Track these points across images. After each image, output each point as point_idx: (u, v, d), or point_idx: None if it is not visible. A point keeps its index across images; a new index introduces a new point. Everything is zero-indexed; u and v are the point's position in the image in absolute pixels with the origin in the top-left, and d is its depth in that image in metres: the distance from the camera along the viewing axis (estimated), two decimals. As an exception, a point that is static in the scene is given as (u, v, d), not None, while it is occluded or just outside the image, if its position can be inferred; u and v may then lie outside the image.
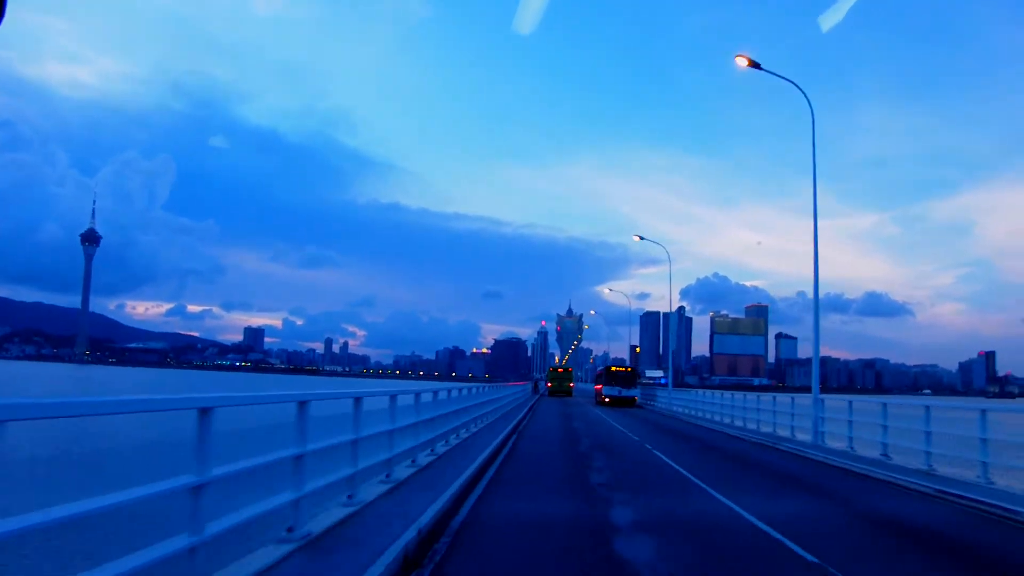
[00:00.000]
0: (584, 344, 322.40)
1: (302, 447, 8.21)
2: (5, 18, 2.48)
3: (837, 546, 10.58)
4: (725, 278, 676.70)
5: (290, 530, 8.17)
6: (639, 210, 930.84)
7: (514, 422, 32.51)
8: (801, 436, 28.45)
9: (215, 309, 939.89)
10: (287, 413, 8.28)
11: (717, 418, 41.83)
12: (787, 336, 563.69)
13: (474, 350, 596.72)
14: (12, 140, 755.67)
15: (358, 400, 10.53)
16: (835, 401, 29.30)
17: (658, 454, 23.41)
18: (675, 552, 10.08)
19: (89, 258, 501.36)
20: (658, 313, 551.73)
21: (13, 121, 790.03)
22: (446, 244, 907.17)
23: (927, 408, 19.71)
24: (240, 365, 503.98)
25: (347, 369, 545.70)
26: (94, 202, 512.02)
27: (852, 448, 23.75)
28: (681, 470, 18.99)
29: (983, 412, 16.71)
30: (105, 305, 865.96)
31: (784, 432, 30.61)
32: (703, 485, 16.35)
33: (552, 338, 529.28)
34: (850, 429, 24.28)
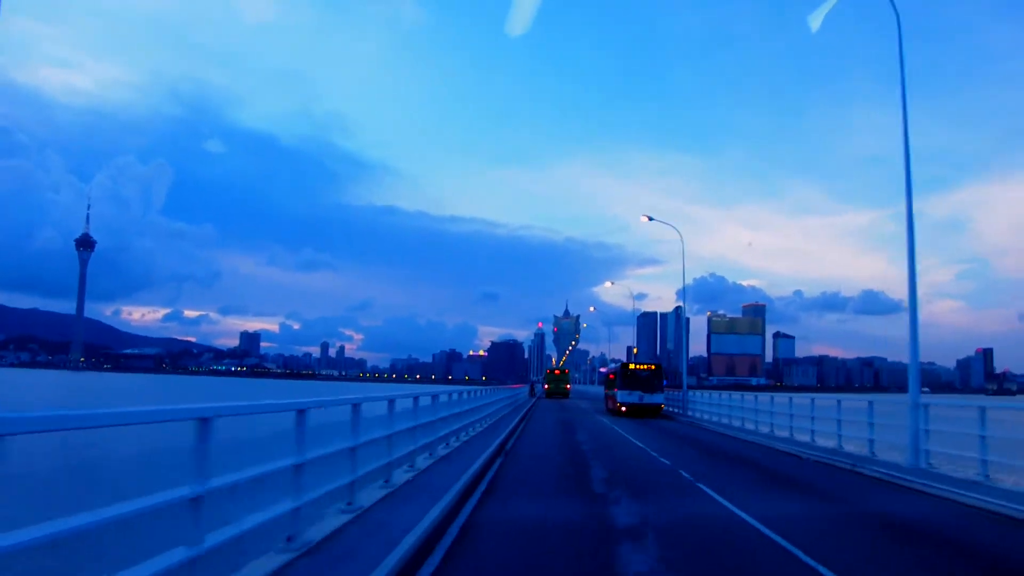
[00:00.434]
0: (581, 345, 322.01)
1: (301, 456, 8.18)
2: None
3: None
4: (722, 278, 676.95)
5: (290, 539, 8.14)
6: (634, 211, 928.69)
7: (503, 434, 26.74)
8: (887, 455, 21.53)
9: (212, 314, 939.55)
10: (285, 421, 8.23)
11: (751, 426, 34.22)
12: (785, 335, 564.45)
13: (471, 353, 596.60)
14: (7, 146, 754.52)
15: (356, 407, 10.51)
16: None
17: (708, 491, 15.79)
18: None
19: (84, 263, 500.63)
20: (655, 313, 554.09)
21: (8, 128, 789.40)
22: (442, 247, 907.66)
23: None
24: (236, 370, 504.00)
25: (343, 373, 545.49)
26: (88, 207, 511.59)
27: (987, 478, 16.47)
28: (765, 530, 11.55)
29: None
30: (101, 311, 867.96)
31: (856, 448, 23.70)
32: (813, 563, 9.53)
33: (549, 340, 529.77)
34: (981, 448, 16.84)
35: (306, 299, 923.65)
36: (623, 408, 48.75)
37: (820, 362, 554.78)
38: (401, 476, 14.02)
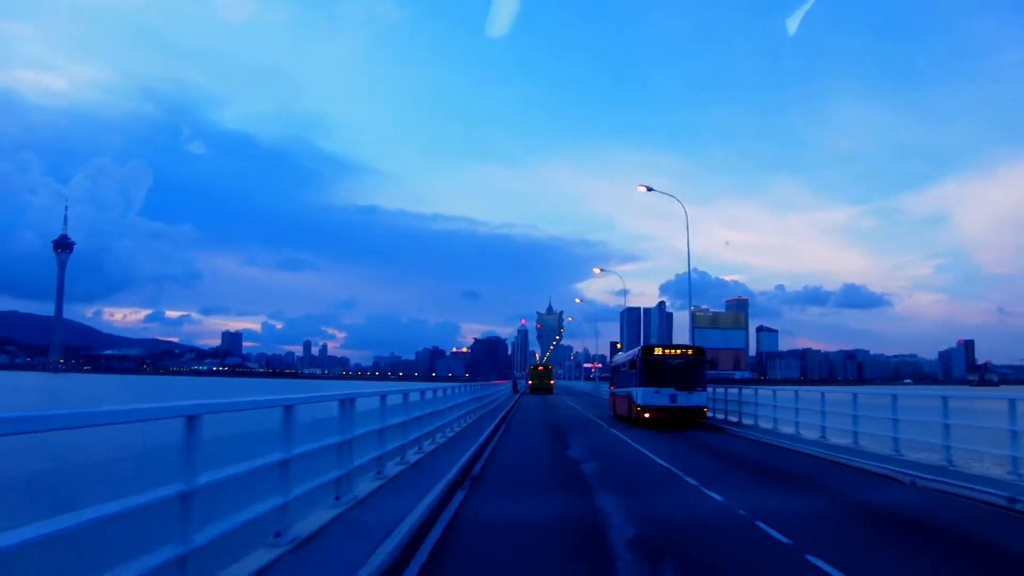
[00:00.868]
0: (565, 342, 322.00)
1: (288, 452, 8.19)
2: None
3: None
4: (704, 273, 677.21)
5: (278, 534, 8.12)
6: (616, 208, 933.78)
7: (467, 454, 18.45)
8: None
9: (194, 314, 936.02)
10: (272, 418, 8.23)
11: (831, 439, 23.54)
12: (768, 329, 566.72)
13: (454, 350, 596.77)
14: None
15: (343, 402, 10.57)
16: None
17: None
18: None
19: (62, 265, 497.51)
20: (639, 309, 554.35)
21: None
22: (424, 245, 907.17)
23: None
24: (217, 370, 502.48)
25: (326, 372, 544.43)
26: (66, 208, 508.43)
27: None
28: None
29: None
30: (82, 312, 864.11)
31: (970, 463, 17.16)
32: None
33: (532, 336, 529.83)
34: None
35: (288, 298, 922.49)
36: (646, 414, 32.68)
37: (803, 355, 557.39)
38: (393, 468, 14.07)
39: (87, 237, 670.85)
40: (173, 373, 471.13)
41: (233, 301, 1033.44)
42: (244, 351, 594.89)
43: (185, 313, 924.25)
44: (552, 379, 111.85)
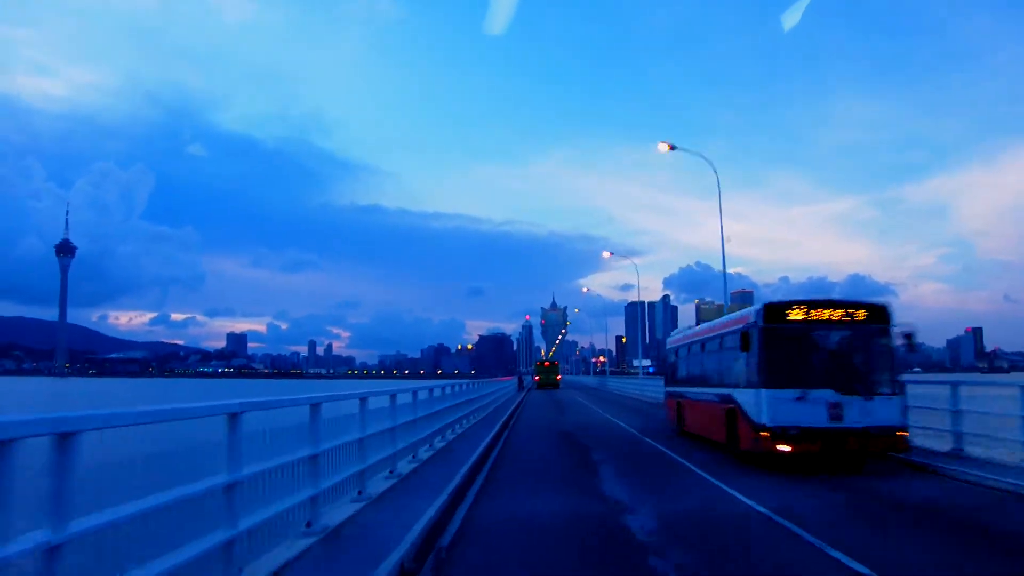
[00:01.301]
0: (569, 337, 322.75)
1: (316, 447, 8.77)
2: None
3: None
4: (708, 266, 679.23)
5: (309, 524, 8.70)
6: (617, 203, 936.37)
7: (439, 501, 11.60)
8: None
9: (199, 316, 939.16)
10: (291, 415, 8.78)
11: None
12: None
13: (459, 347, 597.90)
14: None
15: (363, 400, 11.19)
16: None
17: None
18: None
19: (65, 269, 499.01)
20: (643, 303, 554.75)
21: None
22: (427, 243, 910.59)
23: None
24: (222, 372, 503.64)
25: (331, 371, 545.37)
26: (67, 213, 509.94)
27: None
28: None
29: None
30: (88, 317, 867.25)
31: None
32: None
33: (537, 332, 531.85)
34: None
35: (293, 299, 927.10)
36: (782, 445, 16.14)
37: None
38: (406, 466, 14.60)
39: (90, 241, 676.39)
40: (179, 375, 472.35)
41: (238, 302, 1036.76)
42: (249, 352, 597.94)
43: (190, 315, 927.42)
44: (558, 374, 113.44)
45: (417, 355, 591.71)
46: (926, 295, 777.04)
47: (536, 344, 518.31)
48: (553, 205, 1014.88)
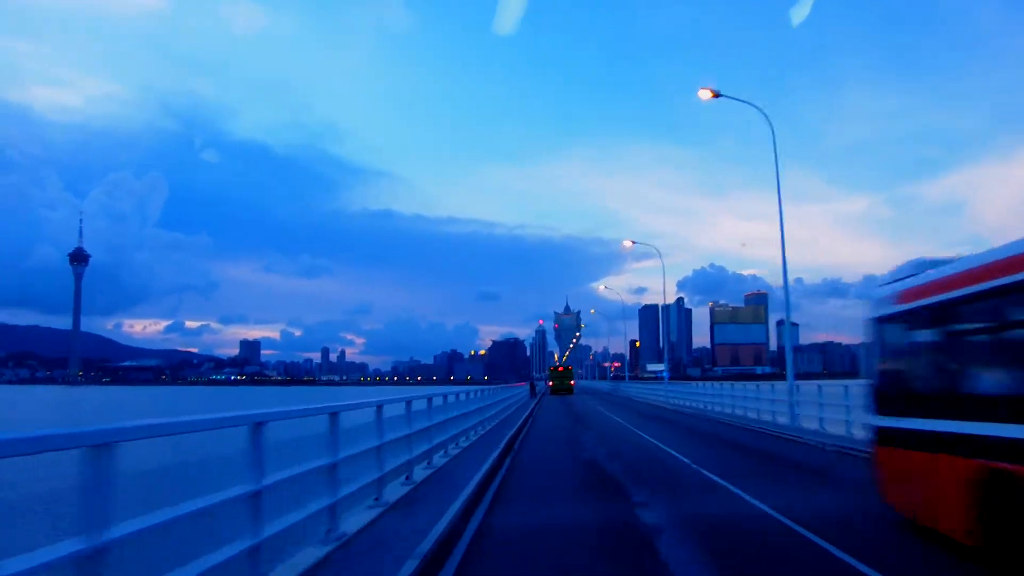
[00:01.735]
0: (583, 341, 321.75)
1: (335, 456, 8.98)
2: None
3: None
4: (721, 268, 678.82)
5: (328, 531, 8.92)
6: (631, 205, 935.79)
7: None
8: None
9: (213, 324, 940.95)
10: (308, 424, 9.00)
11: None
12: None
13: (472, 352, 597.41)
14: (0, 165, 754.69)
15: (380, 408, 11.39)
16: None
17: None
18: None
19: (78, 278, 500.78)
20: (656, 306, 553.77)
21: (0, 146, 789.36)
22: (440, 248, 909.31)
23: None
24: (235, 379, 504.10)
25: (344, 378, 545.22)
26: (80, 221, 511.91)
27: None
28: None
29: None
30: (102, 325, 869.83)
31: None
32: None
33: (551, 337, 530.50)
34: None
35: (306, 305, 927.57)
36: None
37: (824, 349, 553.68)
38: (421, 472, 14.78)
39: (106, 250, 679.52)
40: (192, 383, 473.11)
41: (251, 309, 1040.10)
42: (263, 359, 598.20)
43: (204, 323, 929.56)
44: (572, 379, 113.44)
45: (430, 361, 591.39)
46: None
47: (550, 349, 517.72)
48: (566, 208, 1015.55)
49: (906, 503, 10.68)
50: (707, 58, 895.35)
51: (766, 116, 33.14)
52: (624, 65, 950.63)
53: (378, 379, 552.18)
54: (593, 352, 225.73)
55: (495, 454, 19.14)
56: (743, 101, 34.29)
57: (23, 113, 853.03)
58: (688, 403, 48.85)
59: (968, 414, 8.72)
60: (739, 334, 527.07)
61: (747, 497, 13.26)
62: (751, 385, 38.07)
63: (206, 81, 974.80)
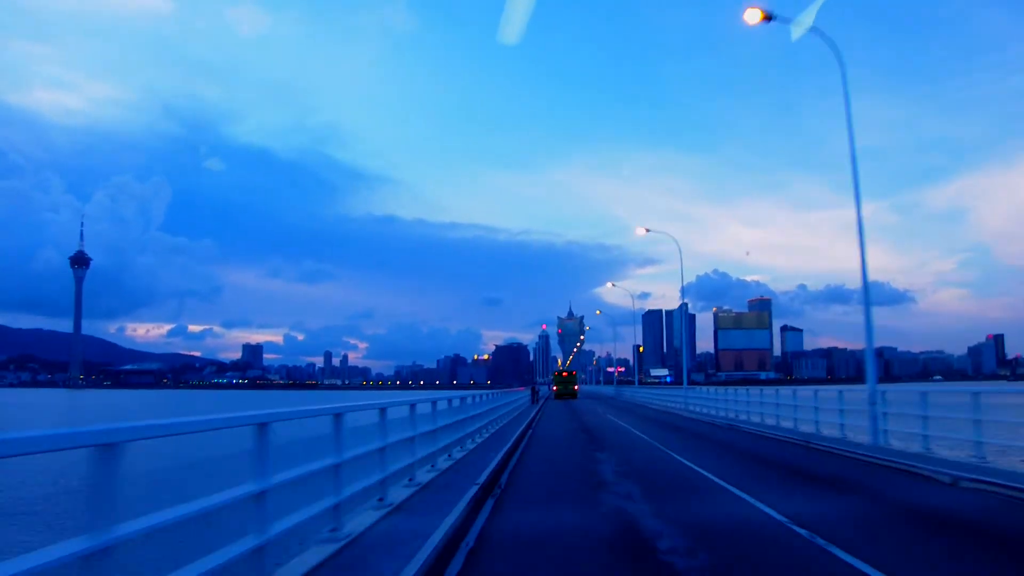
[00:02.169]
0: (586, 346, 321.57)
1: (339, 457, 9.03)
2: None
3: None
4: (725, 274, 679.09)
5: (333, 531, 9.00)
6: (635, 211, 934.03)
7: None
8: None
9: (216, 328, 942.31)
10: (317, 426, 9.05)
11: None
12: (792, 328, 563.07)
13: (475, 357, 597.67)
14: (3, 168, 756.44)
15: (383, 411, 11.44)
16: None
17: None
18: None
19: (79, 281, 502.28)
20: (660, 311, 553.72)
21: (3, 149, 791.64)
22: (443, 253, 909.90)
23: None
24: (237, 383, 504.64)
25: (347, 382, 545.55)
26: (82, 224, 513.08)
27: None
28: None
29: None
30: (105, 328, 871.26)
31: None
32: None
33: (554, 342, 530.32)
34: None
35: (310, 310, 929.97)
36: None
37: (829, 354, 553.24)
38: (425, 476, 14.82)
39: (109, 254, 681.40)
40: (193, 387, 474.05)
41: (255, 314, 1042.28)
42: (265, 363, 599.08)
43: (207, 327, 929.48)
44: (576, 384, 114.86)
45: (434, 366, 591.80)
46: (946, 302, 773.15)
47: (553, 354, 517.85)
48: (570, 213, 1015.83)
49: None
50: (712, 65, 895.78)
51: (833, 45, 26.72)
52: (629, 72, 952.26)
53: (380, 383, 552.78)
54: (596, 357, 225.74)
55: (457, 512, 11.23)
56: (813, 30, 27.05)
57: (27, 116, 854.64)
58: (719, 412, 41.52)
59: None
60: (743, 339, 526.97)
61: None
62: (787, 391, 32.16)
63: (210, 85, 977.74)
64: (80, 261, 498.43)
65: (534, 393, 74.98)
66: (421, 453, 14.60)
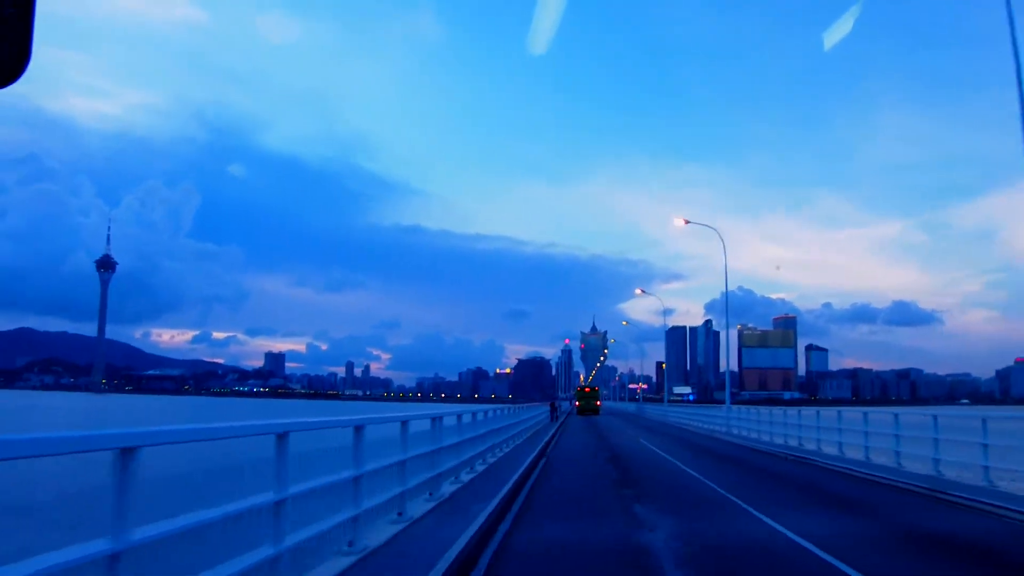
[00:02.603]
0: (609, 362, 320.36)
1: (359, 468, 9.01)
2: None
3: None
4: (750, 291, 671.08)
5: (351, 544, 8.94)
6: (659, 226, 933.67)
7: None
8: None
9: (240, 335, 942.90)
10: (337, 437, 9.03)
11: None
12: (817, 348, 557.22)
13: (497, 371, 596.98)
14: (37, 172, 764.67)
15: (404, 424, 11.41)
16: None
17: None
18: None
19: (105, 284, 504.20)
20: (684, 328, 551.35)
21: (38, 154, 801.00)
22: (468, 264, 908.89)
23: None
24: (258, 391, 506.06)
25: (368, 393, 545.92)
26: (109, 228, 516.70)
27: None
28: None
29: None
30: (131, 333, 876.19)
31: None
32: None
33: (576, 356, 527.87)
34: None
35: (333, 319, 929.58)
36: None
37: (855, 375, 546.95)
38: (448, 488, 14.78)
39: (137, 259, 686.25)
40: (214, 394, 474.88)
41: (279, 322, 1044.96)
42: (287, 372, 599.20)
43: (231, 334, 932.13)
44: (599, 400, 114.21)
45: (455, 378, 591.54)
46: (974, 323, 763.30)
47: (575, 369, 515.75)
48: (596, 227, 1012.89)
49: None
50: (739, 79, 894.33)
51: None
52: (655, 85, 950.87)
53: (401, 395, 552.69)
54: (619, 373, 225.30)
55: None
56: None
57: (61, 121, 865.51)
58: (775, 439, 33.93)
59: None
60: (767, 358, 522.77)
61: None
62: (884, 415, 24.95)
63: (240, 92, 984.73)
64: (106, 264, 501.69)
65: (553, 410, 68.01)
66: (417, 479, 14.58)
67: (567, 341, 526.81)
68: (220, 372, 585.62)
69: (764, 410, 39.77)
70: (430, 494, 13.76)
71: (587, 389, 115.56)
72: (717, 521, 14.01)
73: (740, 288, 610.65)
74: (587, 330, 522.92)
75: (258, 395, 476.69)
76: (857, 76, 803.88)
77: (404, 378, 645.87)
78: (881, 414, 25.66)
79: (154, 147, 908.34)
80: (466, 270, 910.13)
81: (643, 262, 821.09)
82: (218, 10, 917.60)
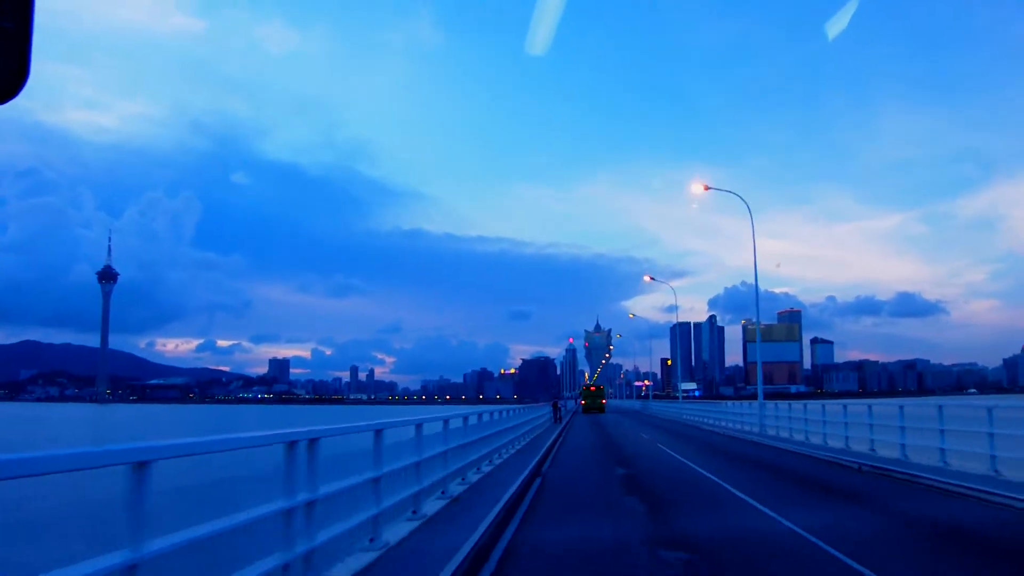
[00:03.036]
0: (613, 360, 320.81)
1: (379, 470, 9.68)
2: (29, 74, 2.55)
3: None
4: (753, 286, 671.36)
5: (372, 540, 9.64)
6: (661, 224, 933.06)
7: None
8: None
9: (244, 343, 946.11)
10: (358, 440, 9.65)
11: None
12: (823, 340, 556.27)
13: (502, 371, 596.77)
14: (38, 185, 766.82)
15: (419, 427, 12.11)
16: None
17: None
18: None
19: (107, 296, 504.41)
20: (688, 324, 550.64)
21: (38, 167, 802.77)
22: (471, 267, 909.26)
23: None
24: (263, 398, 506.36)
25: (373, 396, 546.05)
26: (109, 239, 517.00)
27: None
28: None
29: None
30: (135, 343, 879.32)
31: None
32: None
33: (581, 355, 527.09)
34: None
35: (337, 324, 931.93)
36: None
37: (860, 367, 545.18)
38: (456, 488, 15.36)
39: (139, 269, 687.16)
40: (219, 402, 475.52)
41: (283, 328, 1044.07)
42: (292, 378, 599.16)
43: (236, 342, 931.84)
44: (604, 398, 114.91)
45: (460, 380, 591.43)
46: (979, 313, 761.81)
47: (580, 367, 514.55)
48: (597, 227, 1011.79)
49: None
50: (740, 78, 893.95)
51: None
52: (655, 85, 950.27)
53: (406, 398, 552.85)
54: (624, 371, 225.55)
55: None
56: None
57: (61, 135, 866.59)
58: (827, 442, 28.50)
59: None
60: (772, 352, 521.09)
61: None
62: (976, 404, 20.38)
63: (239, 101, 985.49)
64: (107, 276, 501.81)
65: (555, 410, 61.18)
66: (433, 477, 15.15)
67: (571, 340, 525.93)
68: (224, 380, 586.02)
69: (798, 405, 34.22)
70: (442, 492, 14.42)
71: (592, 388, 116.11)
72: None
73: (743, 283, 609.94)
74: (591, 329, 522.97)
75: (263, 401, 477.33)
76: (858, 74, 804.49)
77: (409, 381, 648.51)
78: (925, 407, 21.98)
79: (154, 158, 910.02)
80: (469, 272, 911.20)
81: (646, 260, 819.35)
82: (216, 20, 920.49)
